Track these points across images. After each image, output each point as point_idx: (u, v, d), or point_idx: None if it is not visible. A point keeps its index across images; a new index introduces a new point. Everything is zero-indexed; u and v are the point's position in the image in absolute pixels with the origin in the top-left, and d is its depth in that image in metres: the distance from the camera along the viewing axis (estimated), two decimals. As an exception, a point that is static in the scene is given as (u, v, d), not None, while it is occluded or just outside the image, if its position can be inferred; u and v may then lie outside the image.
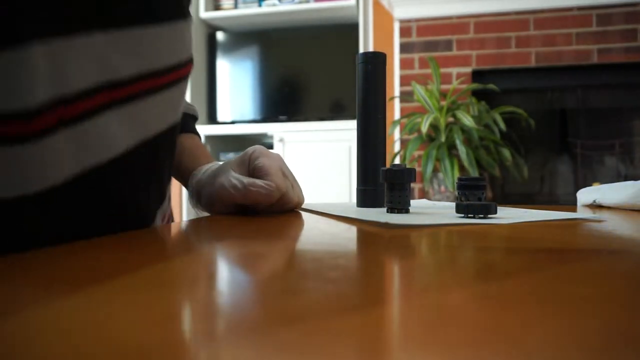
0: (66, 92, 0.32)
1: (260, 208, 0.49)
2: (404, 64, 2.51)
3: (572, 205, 0.70)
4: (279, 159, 0.51)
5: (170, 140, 0.43)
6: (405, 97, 2.45)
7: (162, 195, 0.46)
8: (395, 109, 2.56)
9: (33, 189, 0.32)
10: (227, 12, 2.84)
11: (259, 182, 0.47)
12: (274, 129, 2.62)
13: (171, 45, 0.39)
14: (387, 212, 0.47)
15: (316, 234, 0.34)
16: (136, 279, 0.19)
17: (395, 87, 2.54)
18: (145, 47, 0.36)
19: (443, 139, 2.15)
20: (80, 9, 0.32)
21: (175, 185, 2.77)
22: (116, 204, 0.38)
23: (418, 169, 2.41)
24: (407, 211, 0.47)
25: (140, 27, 0.36)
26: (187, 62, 0.42)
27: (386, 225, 0.37)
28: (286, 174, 0.51)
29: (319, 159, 2.54)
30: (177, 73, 0.40)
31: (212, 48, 2.93)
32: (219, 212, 0.51)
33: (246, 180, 0.47)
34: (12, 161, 0.30)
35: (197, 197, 0.54)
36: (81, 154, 0.34)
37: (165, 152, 0.43)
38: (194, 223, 0.40)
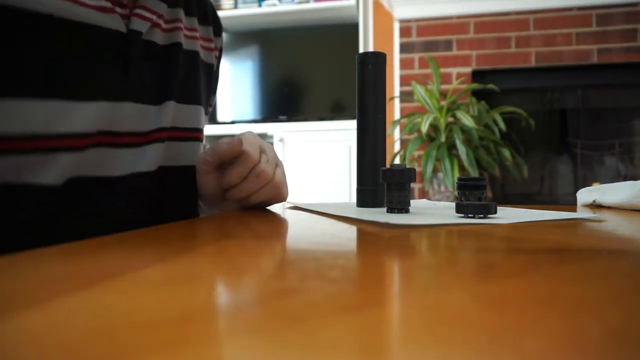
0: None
1: (234, 180, 0.53)
2: (404, 64, 2.51)
3: (572, 205, 0.70)
4: (257, 137, 0.55)
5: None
6: (405, 97, 2.46)
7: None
8: (395, 109, 2.56)
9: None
10: (227, 12, 2.84)
11: (224, 139, 0.53)
12: (274, 129, 2.62)
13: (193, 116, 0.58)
14: (387, 212, 0.47)
15: (316, 233, 0.34)
16: (136, 279, 0.19)
17: (395, 87, 2.54)
18: (179, 115, 0.55)
19: (443, 139, 2.15)
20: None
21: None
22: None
23: (418, 169, 2.41)
24: (407, 211, 0.47)
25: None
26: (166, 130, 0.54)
27: (386, 225, 0.37)
28: (263, 148, 0.55)
29: (319, 159, 2.54)
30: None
31: (212, 48, 2.93)
32: (208, 196, 0.56)
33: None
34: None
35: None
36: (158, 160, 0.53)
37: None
38: (192, 223, 0.40)
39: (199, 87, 0.58)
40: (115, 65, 0.46)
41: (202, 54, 0.60)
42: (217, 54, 0.65)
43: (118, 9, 0.46)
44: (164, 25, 0.52)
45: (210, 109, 0.67)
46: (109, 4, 0.45)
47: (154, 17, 0.50)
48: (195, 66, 0.57)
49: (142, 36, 0.48)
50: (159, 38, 0.52)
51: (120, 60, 0.47)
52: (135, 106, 0.49)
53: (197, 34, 0.58)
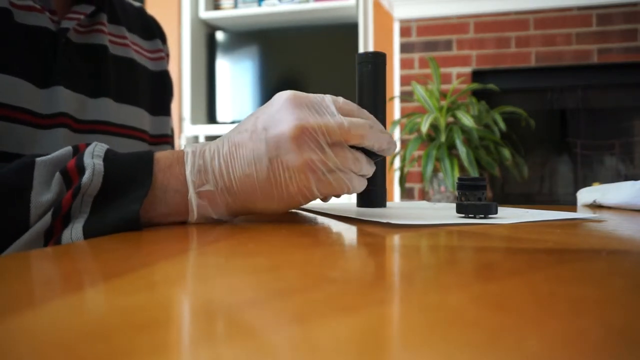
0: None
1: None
2: (404, 64, 2.50)
3: (572, 205, 0.70)
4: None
5: None
6: (405, 97, 2.45)
7: None
8: (395, 109, 2.55)
9: None
10: (226, 11, 2.84)
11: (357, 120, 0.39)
12: (274, 129, 2.61)
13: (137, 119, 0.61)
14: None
15: (316, 233, 0.34)
16: (136, 279, 0.19)
17: (395, 87, 2.54)
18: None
19: (443, 139, 2.15)
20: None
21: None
22: None
23: (418, 169, 2.41)
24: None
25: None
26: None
27: (386, 225, 0.37)
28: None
29: (319, 159, 2.54)
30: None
31: (211, 48, 2.93)
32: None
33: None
34: None
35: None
36: None
37: None
38: (193, 224, 0.40)
39: (138, 90, 0.62)
40: (45, 53, 0.50)
41: (150, 64, 0.66)
42: (167, 59, 0.71)
43: (48, 14, 0.51)
44: (83, 29, 0.56)
45: (170, 112, 0.71)
46: (37, 6, 0.50)
47: (81, 17, 0.54)
48: (131, 71, 0.61)
49: (68, 33, 0.52)
50: (84, 38, 0.56)
51: (50, 51, 0.51)
52: (67, 92, 0.51)
53: (127, 41, 0.62)
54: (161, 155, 0.39)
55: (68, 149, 0.38)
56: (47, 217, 0.35)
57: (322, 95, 0.40)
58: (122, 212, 0.35)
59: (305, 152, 0.36)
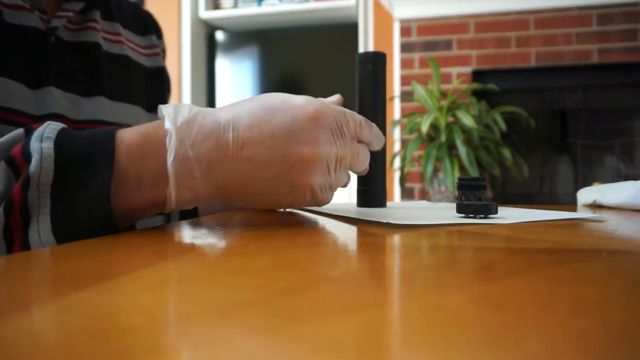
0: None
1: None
2: (404, 64, 2.50)
3: (572, 205, 0.70)
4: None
5: None
6: (405, 97, 2.45)
7: None
8: (395, 109, 2.55)
9: None
10: (226, 11, 2.84)
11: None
12: (274, 129, 2.61)
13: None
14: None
15: (316, 233, 0.34)
16: (136, 279, 0.19)
17: (395, 87, 2.54)
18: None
19: (443, 138, 2.15)
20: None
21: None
22: None
23: (418, 169, 2.41)
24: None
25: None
26: None
27: (386, 225, 0.37)
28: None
29: (319, 159, 2.54)
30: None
31: (211, 48, 2.93)
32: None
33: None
34: None
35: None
36: None
37: None
38: (193, 223, 0.40)
39: (134, 88, 0.61)
40: (35, 53, 0.49)
41: (145, 61, 0.65)
42: (163, 55, 0.70)
43: (37, 13, 0.50)
44: (75, 27, 0.55)
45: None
46: (27, 5, 0.49)
47: (70, 15, 0.53)
48: (126, 69, 0.61)
49: (57, 31, 0.51)
50: (76, 36, 0.55)
51: (40, 51, 0.50)
52: (59, 92, 0.51)
53: (121, 38, 0.61)
54: (128, 140, 0.33)
55: (19, 131, 0.34)
56: (0, 215, 0.31)
57: (346, 115, 0.38)
58: (89, 196, 0.31)
59: (315, 176, 0.36)
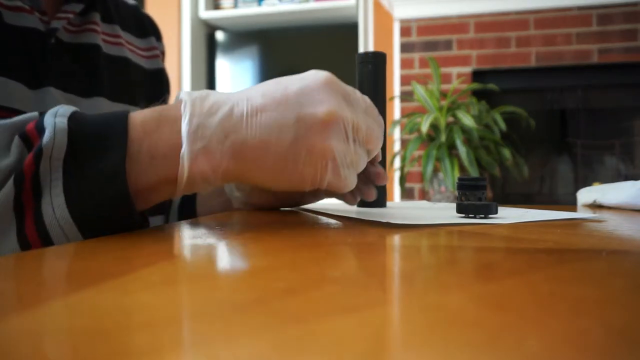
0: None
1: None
2: (404, 64, 2.50)
3: (572, 205, 0.70)
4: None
5: None
6: (405, 97, 2.45)
7: None
8: (395, 109, 2.55)
9: None
10: (226, 11, 2.84)
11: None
12: (274, 129, 2.61)
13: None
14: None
15: (316, 233, 0.34)
16: (136, 279, 0.19)
17: (395, 87, 2.54)
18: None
19: (443, 138, 2.15)
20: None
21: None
22: None
23: (418, 169, 2.41)
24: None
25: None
26: None
27: (386, 225, 0.37)
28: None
29: (319, 159, 2.54)
30: None
31: (211, 48, 2.93)
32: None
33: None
34: None
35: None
36: None
37: None
38: (193, 223, 0.40)
39: (134, 89, 0.61)
40: (35, 54, 0.50)
41: (144, 63, 0.65)
42: (162, 57, 0.71)
43: (37, 15, 0.50)
44: (75, 28, 0.56)
45: None
46: (26, 7, 0.49)
47: (70, 16, 0.53)
48: (125, 70, 0.61)
49: (57, 32, 0.52)
50: (76, 38, 0.55)
51: (40, 52, 0.50)
52: (59, 92, 0.51)
53: (121, 40, 0.61)
54: (143, 116, 0.34)
55: (33, 113, 0.34)
56: (9, 186, 0.30)
57: (354, 89, 0.38)
58: (104, 172, 0.31)
59: (333, 140, 0.35)
